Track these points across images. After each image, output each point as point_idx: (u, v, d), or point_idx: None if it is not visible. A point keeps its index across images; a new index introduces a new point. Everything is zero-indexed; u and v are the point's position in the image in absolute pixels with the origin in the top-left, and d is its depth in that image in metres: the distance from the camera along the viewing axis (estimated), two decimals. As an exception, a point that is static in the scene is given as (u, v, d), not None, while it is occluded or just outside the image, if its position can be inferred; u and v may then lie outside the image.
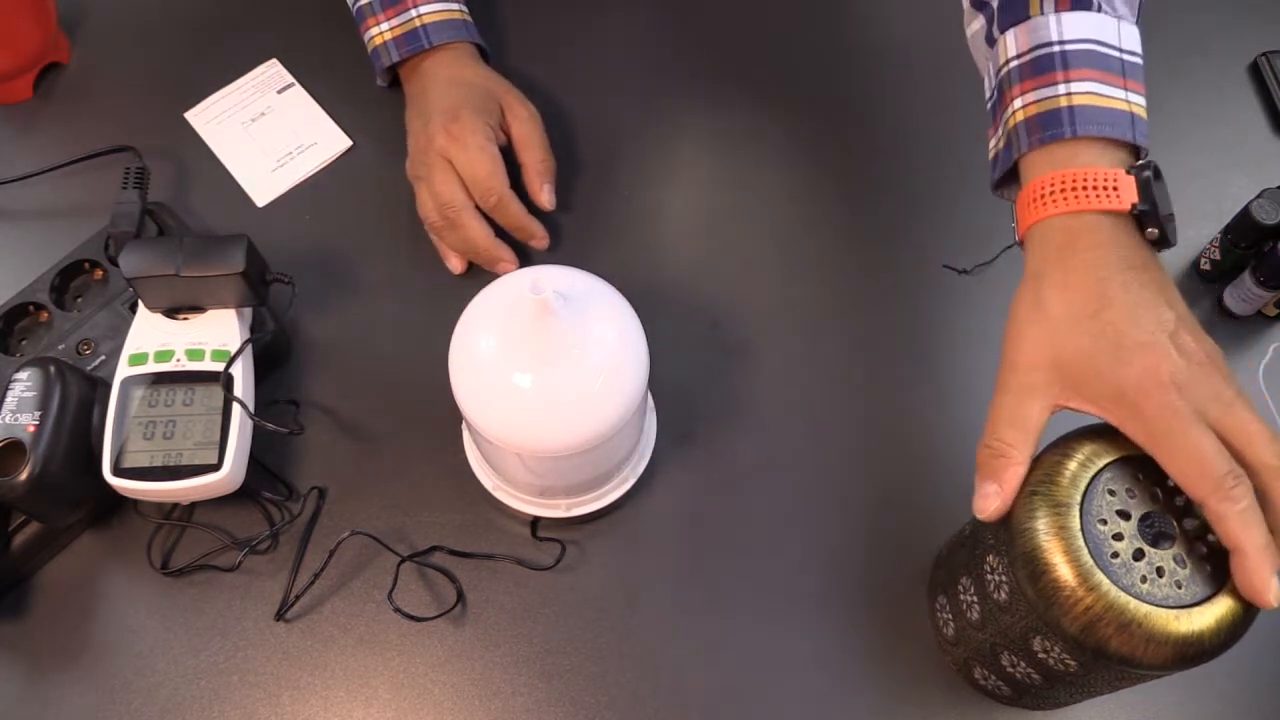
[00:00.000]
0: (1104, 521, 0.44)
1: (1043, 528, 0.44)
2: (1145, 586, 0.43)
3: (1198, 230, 0.72)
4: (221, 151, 0.75)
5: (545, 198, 0.70)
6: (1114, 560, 0.43)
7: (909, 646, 0.59)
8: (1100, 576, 0.42)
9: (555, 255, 0.71)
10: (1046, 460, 0.46)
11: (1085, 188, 0.48)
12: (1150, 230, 0.48)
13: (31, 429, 0.55)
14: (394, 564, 0.60)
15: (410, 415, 0.65)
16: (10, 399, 0.56)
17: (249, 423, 0.59)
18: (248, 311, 0.63)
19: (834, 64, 0.79)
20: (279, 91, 0.78)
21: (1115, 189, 0.47)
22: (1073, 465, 0.45)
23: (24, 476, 0.54)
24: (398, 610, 0.59)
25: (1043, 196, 0.49)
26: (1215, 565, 0.43)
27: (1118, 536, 0.44)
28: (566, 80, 0.78)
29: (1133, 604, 0.42)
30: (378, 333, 0.68)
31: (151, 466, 0.57)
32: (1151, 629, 0.42)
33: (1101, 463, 0.45)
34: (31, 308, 0.65)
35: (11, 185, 0.72)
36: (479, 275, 0.70)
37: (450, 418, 0.59)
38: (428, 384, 0.59)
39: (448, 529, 0.62)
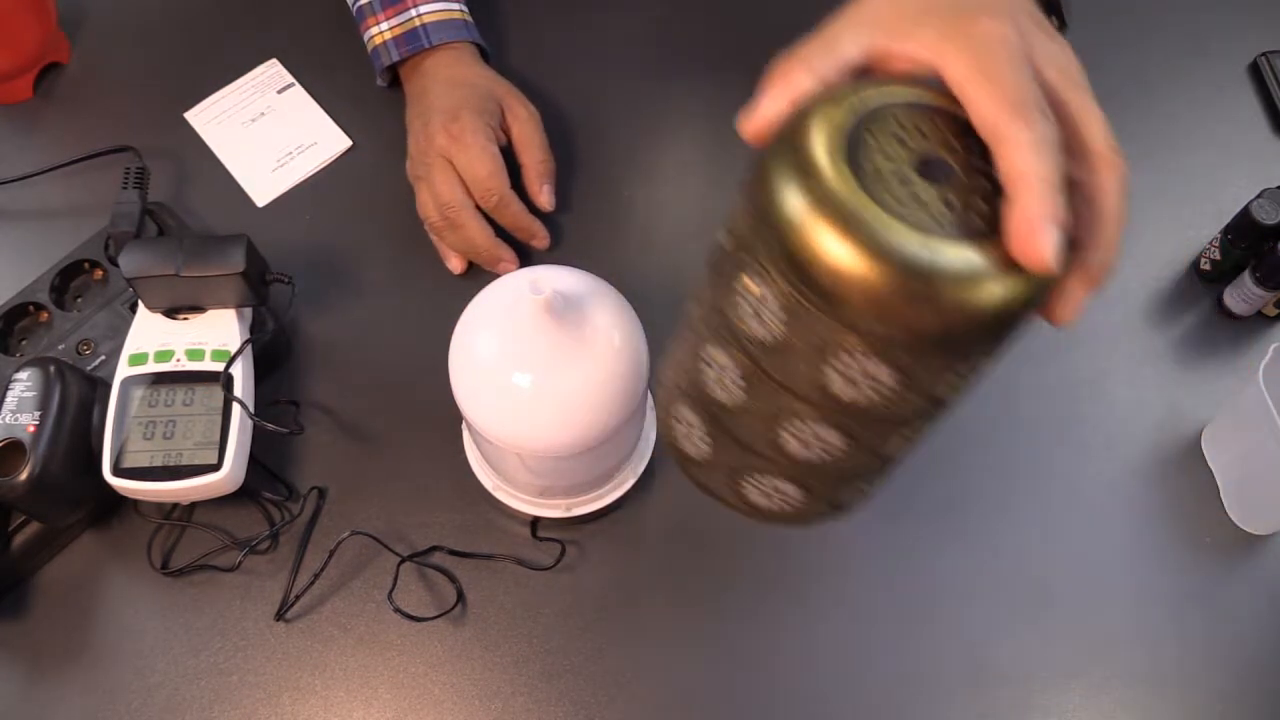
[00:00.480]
0: (873, 136, 0.35)
1: (800, 119, 0.35)
2: (894, 204, 0.34)
3: (1198, 230, 0.72)
4: (221, 151, 0.75)
5: (545, 198, 0.70)
6: (869, 169, 0.34)
7: (916, 643, 0.59)
8: (843, 168, 0.34)
9: (555, 255, 0.71)
10: (839, 85, 0.37)
11: None
12: None
13: (31, 429, 0.55)
14: (394, 564, 0.60)
15: (410, 415, 0.65)
16: (10, 399, 0.56)
17: (249, 423, 0.59)
18: (248, 311, 0.63)
19: (834, 64, 0.79)
20: (279, 91, 0.78)
21: None
22: (867, 88, 0.36)
23: (24, 476, 0.54)
24: (398, 610, 0.59)
25: None
26: (991, 226, 0.34)
27: (886, 155, 0.35)
28: (566, 80, 0.78)
29: (868, 204, 0.33)
30: (378, 333, 0.68)
31: (151, 466, 0.57)
32: (876, 234, 0.32)
33: (903, 97, 0.36)
34: (31, 308, 0.65)
35: (11, 185, 0.72)
36: (479, 275, 0.70)
37: (450, 418, 0.59)
38: (428, 384, 0.59)
39: (447, 529, 0.62)
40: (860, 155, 0.35)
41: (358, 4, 0.72)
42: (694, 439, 0.43)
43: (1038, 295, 0.34)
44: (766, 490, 0.43)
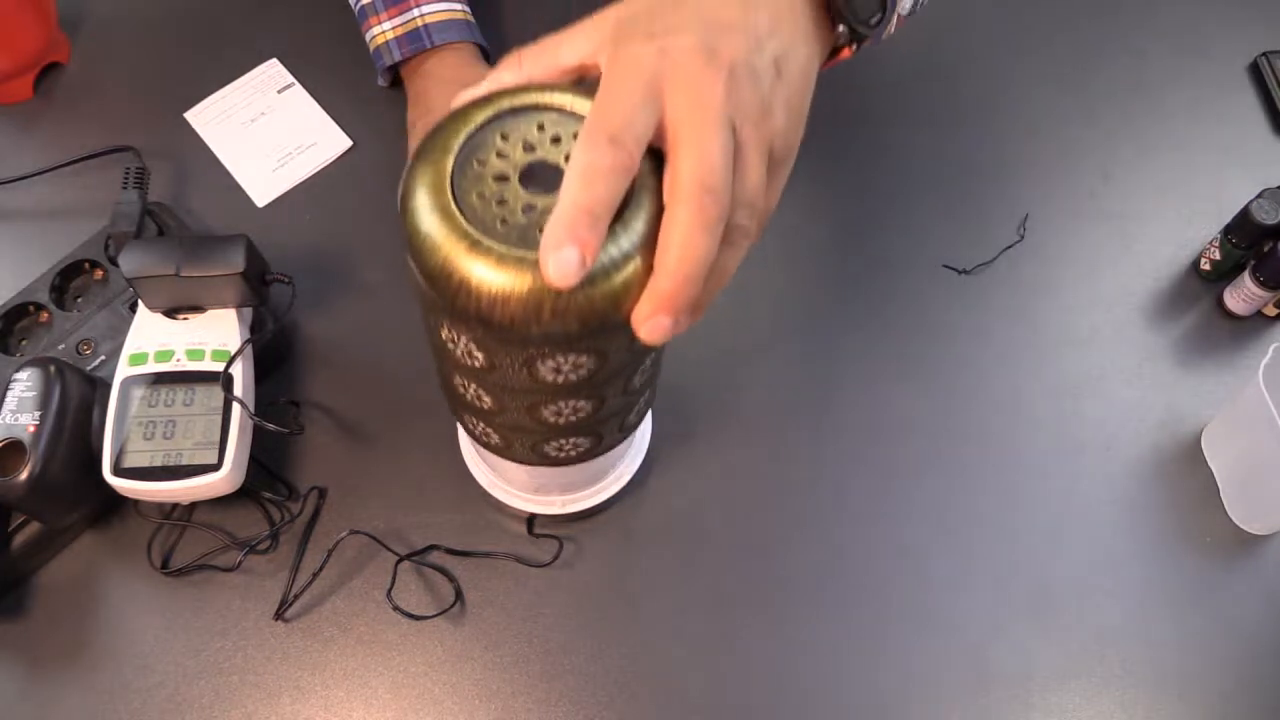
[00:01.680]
0: (505, 138, 0.39)
1: (436, 131, 0.38)
2: (477, 204, 0.37)
3: (1198, 230, 0.72)
4: (221, 151, 0.75)
5: None
6: (472, 176, 0.38)
7: (917, 643, 0.59)
8: (447, 198, 0.37)
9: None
10: (512, 86, 0.40)
11: None
12: None
13: (31, 429, 0.55)
14: (392, 563, 0.60)
15: (410, 415, 0.65)
16: (10, 399, 0.56)
17: (249, 423, 0.59)
18: (248, 311, 0.63)
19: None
20: (279, 91, 0.78)
21: None
22: (528, 93, 0.39)
23: (24, 476, 0.54)
24: (396, 609, 0.59)
25: None
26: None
27: (501, 177, 0.38)
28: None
29: (453, 220, 0.36)
30: (378, 333, 0.68)
31: (151, 466, 0.57)
32: (437, 232, 0.36)
33: (562, 104, 0.39)
34: (31, 308, 0.65)
35: (11, 185, 0.72)
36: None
37: (449, 417, 0.59)
38: (427, 383, 0.59)
39: (446, 528, 0.62)
40: (474, 160, 0.38)
41: (360, 3, 0.72)
42: (488, 435, 0.49)
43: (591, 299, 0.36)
44: (564, 447, 0.49)
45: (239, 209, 0.73)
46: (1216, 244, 0.69)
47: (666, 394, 0.64)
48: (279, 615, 0.59)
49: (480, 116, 0.39)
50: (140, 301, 0.61)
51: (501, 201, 0.37)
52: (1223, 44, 0.81)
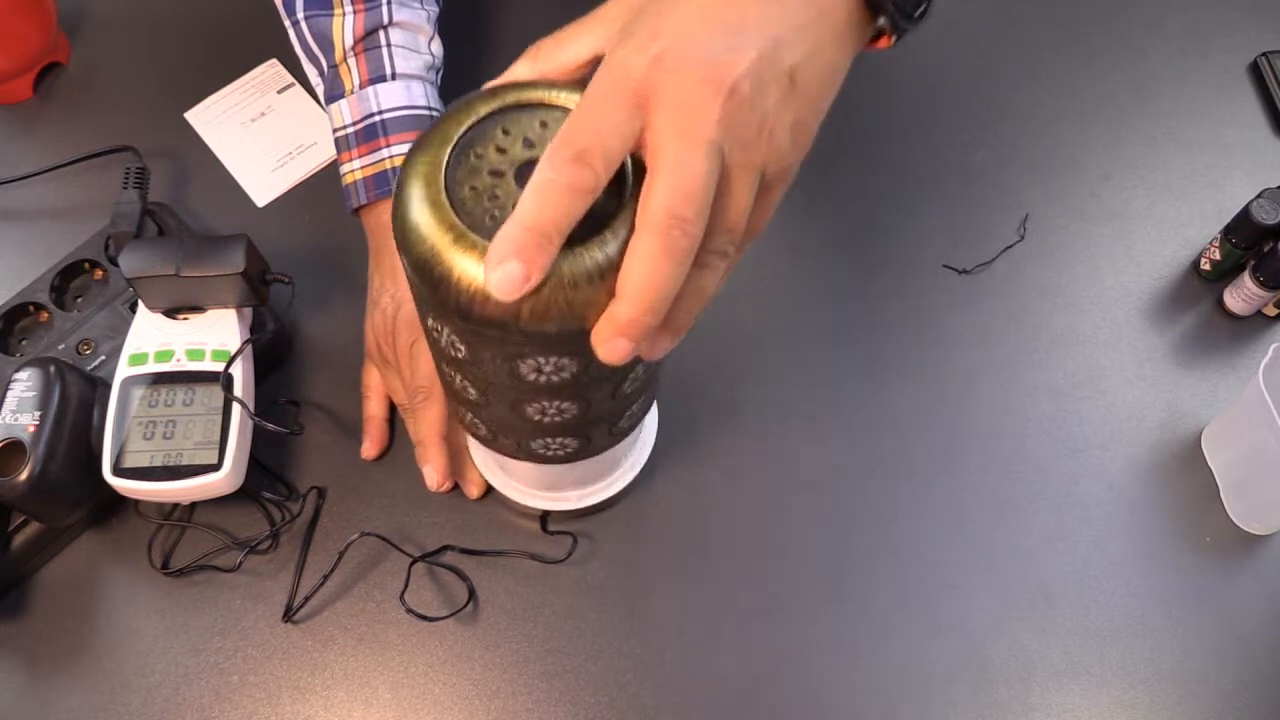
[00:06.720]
0: (501, 150, 0.38)
1: (418, 152, 0.38)
2: (469, 198, 0.37)
3: (1198, 230, 0.72)
4: (221, 151, 0.75)
5: None
6: (470, 160, 0.37)
7: (917, 643, 0.59)
8: (439, 189, 0.36)
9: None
10: (518, 81, 0.40)
11: None
12: None
13: (31, 429, 0.55)
14: (400, 564, 0.60)
15: (410, 415, 0.65)
16: (10, 399, 0.56)
17: (249, 423, 0.59)
18: (248, 311, 0.62)
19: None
20: (279, 91, 0.78)
21: None
22: (534, 89, 0.39)
23: (24, 476, 0.54)
24: (410, 611, 0.59)
25: None
26: None
27: (496, 172, 0.37)
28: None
29: (445, 220, 0.36)
30: (378, 333, 0.68)
31: (151, 466, 0.57)
32: (425, 223, 0.36)
33: (551, 97, 0.39)
34: (31, 308, 0.65)
35: (11, 185, 0.72)
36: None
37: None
38: (428, 384, 0.59)
39: (450, 528, 0.62)
40: (471, 153, 0.38)
41: (336, 134, 0.67)
42: (477, 427, 0.49)
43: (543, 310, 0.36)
44: (551, 446, 0.48)
45: (239, 209, 0.73)
46: (1216, 244, 0.69)
47: (670, 390, 0.64)
48: (287, 617, 0.59)
49: (484, 109, 0.38)
50: (140, 301, 0.61)
51: (494, 197, 0.37)
52: (1223, 44, 0.81)
